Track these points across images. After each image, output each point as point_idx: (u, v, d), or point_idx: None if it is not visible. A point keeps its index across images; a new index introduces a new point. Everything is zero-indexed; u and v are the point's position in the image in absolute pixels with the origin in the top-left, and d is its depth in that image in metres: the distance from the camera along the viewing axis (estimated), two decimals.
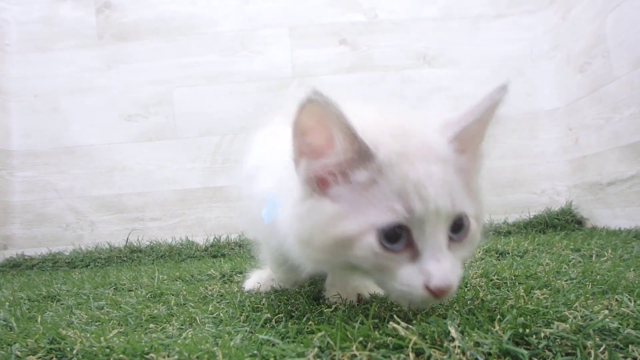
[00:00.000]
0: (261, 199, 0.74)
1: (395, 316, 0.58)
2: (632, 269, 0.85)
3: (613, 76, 1.80)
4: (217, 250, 2.13)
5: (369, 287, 0.90)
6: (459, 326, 0.51)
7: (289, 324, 0.69)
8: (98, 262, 2.11)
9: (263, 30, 2.30)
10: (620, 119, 1.78)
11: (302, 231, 0.62)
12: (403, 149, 0.59)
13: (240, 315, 0.80)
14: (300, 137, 0.60)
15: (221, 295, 1.05)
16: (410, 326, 0.54)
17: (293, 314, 0.79)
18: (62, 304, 1.00)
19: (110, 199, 2.27)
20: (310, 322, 0.66)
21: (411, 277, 0.57)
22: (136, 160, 2.28)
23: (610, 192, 1.89)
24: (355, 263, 0.60)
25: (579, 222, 2.11)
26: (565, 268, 0.98)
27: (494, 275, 0.93)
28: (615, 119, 1.81)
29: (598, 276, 0.83)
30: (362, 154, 0.58)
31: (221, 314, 0.79)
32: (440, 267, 0.56)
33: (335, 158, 0.59)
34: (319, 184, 0.61)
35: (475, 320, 0.55)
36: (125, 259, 2.13)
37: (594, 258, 1.07)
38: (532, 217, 2.17)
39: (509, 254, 1.30)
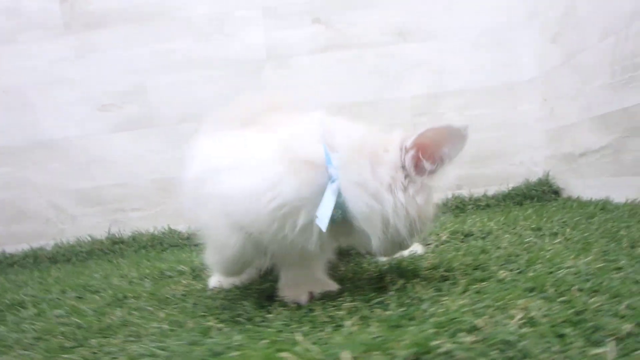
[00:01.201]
0: (248, 196, 0.76)
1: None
2: (573, 256, 0.85)
3: (584, 46, 1.77)
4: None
5: (321, 286, 0.91)
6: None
7: (226, 335, 0.70)
8: (80, 256, 2.13)
9: (236, 12, 2.24)
10: (591, 90, 1.76)
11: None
12: None
13: (187, 322, 0.81)
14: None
15: (182, 296, 1.06)
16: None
17: (239, 318, 0.80)
18: (20, 315, 1.01)
19: (90, 191, 2.27)
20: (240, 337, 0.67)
21: None
22: (113, 151, 2.26)
23: (582, 163, 1.89)
24: None
25: (556, 193, 2.12)
26: (517, 253, 0.99)
27: (445, 266, 0.94)
28: (587, 90, 1.79)
29: (539, 265, 0.84)
30: None
31: (167, 326, 0.80)
32: None
33: None
34: None
35: (379, 340, 0.55)
36: (107, 251, 2.15)
37: (547, 240, 1.08)
38: (510, 188, 2.18)
39: (473, 235, 1.31)
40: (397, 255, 1.00)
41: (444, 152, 0.76)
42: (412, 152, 0.76)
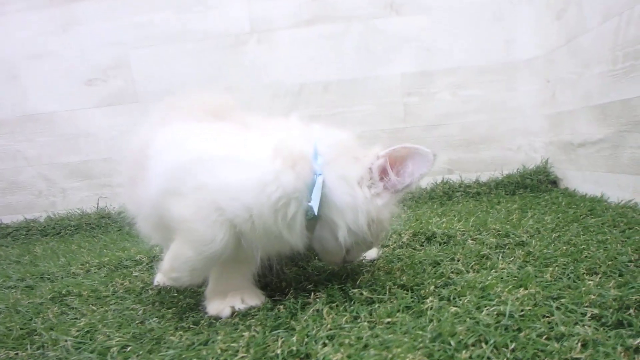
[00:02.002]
0: (251, 189, 0.80)
1: None
2: (509, 288, 0.78)
3: (585, 28, 1.61)
4: None
5: (247, 299, 0.89)
6: None
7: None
8: (68, 230, 2.17)
9: None
10: (591, 76, 1.61)
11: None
12: None
13: (98, 336, 0.79)
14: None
15: (122, 294, 1.05)
16: None
17: (145, 336, 0.78)
18: None
19: (78, 165, 2.28)
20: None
21: None
22: (99, 126, 2.25)
23: (580, 154, 1.76)
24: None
25: (554, 183, 2.00)
26: (461, 271, 0.92)
27: (378, 284, 0.88)
28: (587, 75, 1.64)
29: (467, 297, 0.77)
30: None
31: (79, 339, 0.78)
32: None
33: None
34: None
35: None
36: (94, 225, 2.17)
37: (503, 255, 1.00)
38: (504, 176, 2.06)
39: (435, 238, 1.24)
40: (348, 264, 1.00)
41: (408, 168, 0.86)
42: (381, 160, 0.85)
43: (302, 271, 1.06)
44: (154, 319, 0.86)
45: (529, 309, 0.68)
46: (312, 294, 0.88)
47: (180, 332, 0.78)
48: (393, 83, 2.10)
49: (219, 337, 0.74)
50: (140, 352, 0.71)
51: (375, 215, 0.84)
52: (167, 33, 2.16)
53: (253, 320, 0.79)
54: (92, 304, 1.00)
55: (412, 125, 2.12)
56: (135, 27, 2.17)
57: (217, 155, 0.84)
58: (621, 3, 1.40)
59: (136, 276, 1.20)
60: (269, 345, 0.67)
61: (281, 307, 0.83)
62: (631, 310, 0.65)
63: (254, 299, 0.89)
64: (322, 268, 1.06)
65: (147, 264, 1.33)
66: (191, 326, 0.82)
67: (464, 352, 0.57)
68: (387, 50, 2.10)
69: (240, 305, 0.87)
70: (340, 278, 0.95)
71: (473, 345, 0.59)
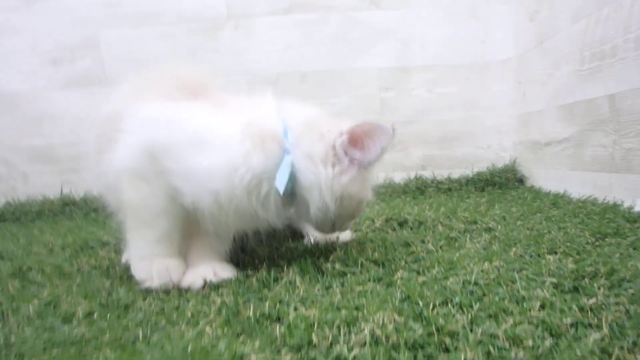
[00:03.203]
0: (224, 173, 0.81)
1: None
2: (475, 261, 0.80)
3: (557, 28, 1.67)
4: None
5: (219, 271, 0.88)
6: None
7: (86, 324, 0.66)
8: (29, 216, 2.09)
9: None
10: (560, 76, 1.67)
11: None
12: None
13: (62, 304, 0.76)
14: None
15: (88, 270, 1.02)
16: None
17: (110, 306, 0.76)
18: None
19: (42, 149, 2.20)
20: None
21: None
22: (65, 108, 2.17)
23: (547, 152, 1.82)
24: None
25: (521, 181, 2.06)
26: (431, 250, 0.94)
27: (350, 259, 0.89)
28: (556, 75, 1.70)
29: (436, 269, 0.78)
30: None
31: (41, 307, 0.76)
32: None
33: None
34: None
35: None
36: (57, 212, 2.10)
37: (471, 237, 1.03)
38: (474, 173, 2.11)
39: (407, 223, 1.26)
40: (332, 236, 1.06)
41: (372, 143, 0.86)
42: (345, 137, 0.86)
43: (275, 251, 1.06)
44: (122, 289, 0.84)
45: (493, 278, 0.70)
46: (285, 267, 0.88)
47: (150, 300, 0.77)
48: (370, 76, 2.13)
49: (190, 304, 0.73)
50: (109, 317, 0.70)
51: (341, 192, 0.85)
52: (140, 14, 2.11)
53: (225, 289, 0.79)
54: (56, 279, 0.97)
55: (388, 120, 2.13)
56: (106, 6, 2.11)
57: (187, 139, 0.84)
58: (591, 4, 1.46)
59: (103, 256, 1.17)
60: (240, 310, 0.67)
61: (254, 279, 0.83)
62: (586, 280, 0.67)
63: (226, 271, 0.88)
64: (296, 248, 1.07)
65: (114, 244, 1.30)
66: (161, 296, 0.80)
67: (431, 310, 0.58)
68: (365, 43, 2.12)
69: (212, 277, 0.86)
70: (314, 255, 0.96)
71: (440, 305, 0.60)
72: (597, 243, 0.89)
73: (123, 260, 1.08)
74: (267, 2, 2.11)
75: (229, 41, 2.12)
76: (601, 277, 0.66)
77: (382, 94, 2.14)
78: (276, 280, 0.81)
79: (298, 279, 0.78)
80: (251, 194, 0.83)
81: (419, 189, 2.06)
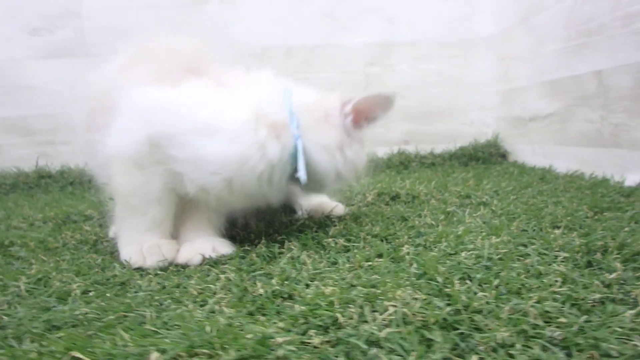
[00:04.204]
0: (235, 161, 0.80)
1: None
2: (482, 235, 0.80)
3: (543, 6, 1.66)
4: None
5: (218, 247, 0.86)
6: None
7: (82, 303, 0.63)
8: (3, 188, 1.99)
9: None
10: (545, 53, 1.67)
11: None
12: None
13: (54, 282, 0.73)
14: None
15: (74, 245, 0.98)
16: None
17: (108, 282, 0.73)
18: None
19: (17, 120, 2.09)
20: None
21: None
22: (43, 79, 2.06)
23: (531, 128, 1.84)
24: None
25: (503, 156, 2.09)
26: (432, 224, 0.94)
27: (352, 234, 0.88)
28: (540, 52, 1.70)
29: (444, 243, 0.78)
30: None
31: (31, 285, 0.72)
32: None
33: None
34: None
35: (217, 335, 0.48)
36: (32, 185, 2.02)
37: (469, 211, 1.03)
38: (457, 148, 2.12)
39: (400, 198, 1.25)
40: (325, 209, 1.10)
41: (376, 114, 0.92)
42: (351, 117, 0.90)
43: (269, 225, 1.04)
44: (115, 265, 0.81)
45: (505, 252, 0.70)
46: (285, 243, 0.86)
47: (149, 277, 0.74)
48: (355, 52, 2.09)
49: (192, 282, 0.70)
50: (108, 295, 0.66)
51: (361, 165, 0.94)
52: None
53: (226, 266, 0.76)
54: (42, 255, 0.92)
55: None
56: None
57: (196, 128, 0.80)
58: None
59: (87, 230, 1.13)
60: (247, 288, 0.65)
61: (253, 255, 0.81)
62: (598, 254, 0.68)
63: (225, 247, 0.86)
64: (290, 222, 1.05)
65: (98, 219, 1.25)
66: (158, 272, 0.77)
67: (451, 287, 0.57)
68: (351, 19, 2.08)
69: (211, 253, 0.83)
70: (312, 229, 0.94)
71: (458, 281, 0.59)
72: (596, 217, 0.90)
73: (110, 234, 1.05)
74: None
75: (214, 14, 2.04)
76: (612, 251, 0.67)
77: (368, 69, 2.11)
78: (278, 256, 0.79)
79: (303, 255, 0.77)
80: (262, 181, 0.83)
81: (402, 163, 2.07)
